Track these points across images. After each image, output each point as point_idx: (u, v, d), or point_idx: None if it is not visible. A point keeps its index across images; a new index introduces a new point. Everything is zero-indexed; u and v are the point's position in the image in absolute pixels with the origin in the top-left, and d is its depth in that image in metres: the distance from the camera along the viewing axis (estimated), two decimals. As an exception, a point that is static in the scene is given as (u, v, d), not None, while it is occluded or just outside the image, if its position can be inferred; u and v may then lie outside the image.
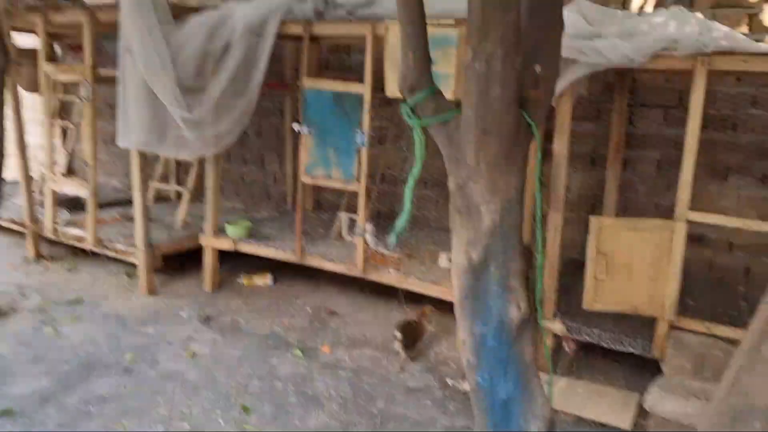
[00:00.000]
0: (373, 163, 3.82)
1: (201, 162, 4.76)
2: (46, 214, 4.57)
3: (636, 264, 2.96)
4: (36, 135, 6.85)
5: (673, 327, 2.93)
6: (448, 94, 2.96)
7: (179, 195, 5.44)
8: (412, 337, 3.35)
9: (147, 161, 4.17)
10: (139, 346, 3.42)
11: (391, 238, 1.97)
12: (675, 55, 2.76)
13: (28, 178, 4.78)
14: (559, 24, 1.73)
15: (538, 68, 1.68)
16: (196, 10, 4.02)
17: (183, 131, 3.83)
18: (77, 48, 5.78)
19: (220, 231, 4.25)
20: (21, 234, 4.97)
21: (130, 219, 4.84)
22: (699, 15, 3.58)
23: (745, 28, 3.58)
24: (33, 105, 6.76)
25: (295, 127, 3.74)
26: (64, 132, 6.12)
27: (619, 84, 3.78)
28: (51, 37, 4.63)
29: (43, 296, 4.08)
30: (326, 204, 5.15)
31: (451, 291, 3.39)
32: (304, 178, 3.79)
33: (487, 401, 1.81)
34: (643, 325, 3.08)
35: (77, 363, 3.21)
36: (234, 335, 3.60)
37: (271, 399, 2.94)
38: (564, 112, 3.04)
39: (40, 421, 2.71)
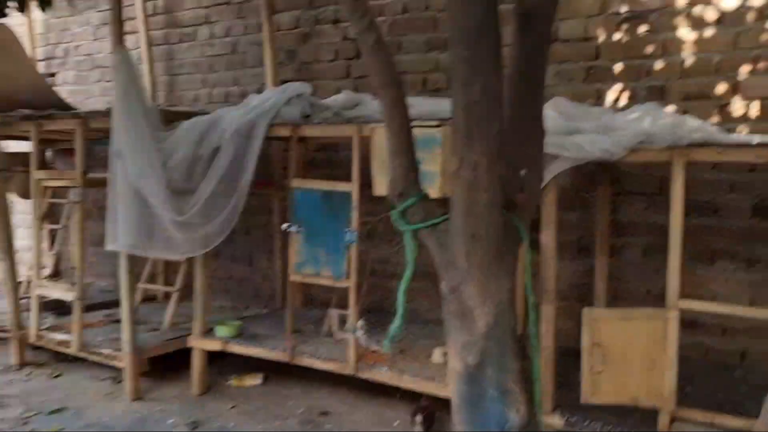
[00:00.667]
0: (363, 258, 3.83)
1: (189, 260, 4.75)
2: (32, 320, 4.49)
3: (632, 354, 2.93)
4: (23, 238, 6.83)
5: (674, 419, 2.87)
6: (435, 192, 3.01)
7: (167, 295, 5.39)
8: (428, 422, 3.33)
9: (135, 263, 4.15)
10: (124, 459, 3.28)
11: (386, 344, 1.95)
12: (652, 148, 2.86)
13: (15, 283, 4.72)
14: (541, 131, 1.80)
15: (522, 173, 1.73)
16: (186, 116, 4.14)
17: (171, 233, 3.85)
18: (67, 152, 5.88)
19: (209, 331, 4.18)
20: (3, 340, 4.85)
21: (117, 321, 4.77)
22: (671, 108, 3.76)
23: (716, 119, 3.73)
24: (21, 208, 6.79)
25: (284, 226, 3.77)
26: (52, 234, 6.13)
27: (600, 174, 3.88)
28: (42, 142, 4.71)
29: (26, 406, 3.94)
30: (316, 300, 5.11)
31: (447, 387, 3.33)
32: (294, 277, 3.78)
33: None
34: (643, 417, 3.01)
35: (59, 480, 3.07)
36: (224, 443, 3.47)
37: None
38: (549, 204, 3.10)
39: None
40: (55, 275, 6.22)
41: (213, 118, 3.92)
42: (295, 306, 4.34)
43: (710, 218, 3.79)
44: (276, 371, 4.39)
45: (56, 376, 4.46)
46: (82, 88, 6.38)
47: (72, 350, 4.28)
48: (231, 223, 3.91)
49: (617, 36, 3.99)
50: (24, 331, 4.59)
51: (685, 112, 3.80)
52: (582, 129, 3.03)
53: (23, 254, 6.53)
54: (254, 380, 4.31)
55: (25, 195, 5.32)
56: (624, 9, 3.96)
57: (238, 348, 4.07)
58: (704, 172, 3.77)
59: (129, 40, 4.24)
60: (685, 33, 3.80)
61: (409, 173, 1.80)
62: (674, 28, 3.82)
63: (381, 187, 3.21)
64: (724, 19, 3.70)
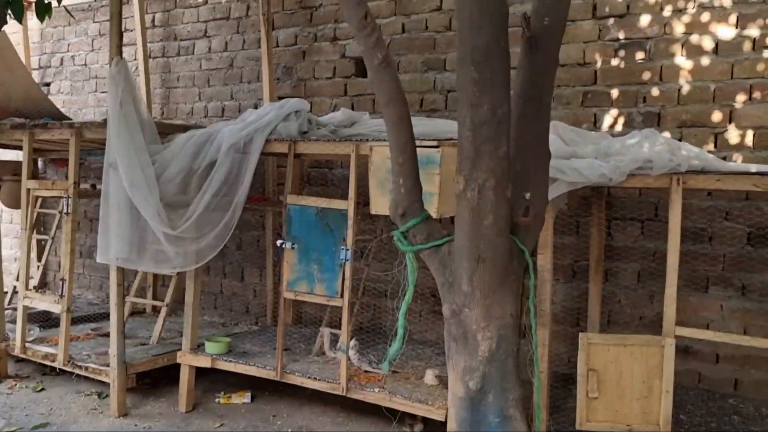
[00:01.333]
0: (355, 277, 3.80)
1: (180, 275, 4.69)
2: (18, 332, 4.40)
3: (627, 380, 2.91)
4: (8, 247, 6.74)
5: (669, 447, 2.84)
6: (432, 212, 3.00)
7: (155, 309, 5.32)
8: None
9: (125, 276, 4.09)
10: (108, 477, 3.20)
11: (385, 365, 1.91)
12: (650, 174, 2.87)
13: (0, 294, 4.64)
14: (546, 153, 1.79)
15: (527, 195, 1.72)
16: (182, 129, 4.11)
17: (164, 246, 3.80)
18: (59, 162, 5.83)
19: (198, 347, 4.12)
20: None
21: (104, 335, 4.69)
22: (668, 134, 3.78)
23: (711, 146, 3.75)
24: (6, 217, 6.71)
25: (279, 243, 3.74)
26: (40, 245, 6.05)
27: (596, 198, 3.89)
28: (34, 151, 4.66)
29: (8, 421, 3.84)
30: (307, 318, 5.06)
31: (439, 410, 3.29)
32: (287, 294, 3.74)
33: None
34: (638, 445, 2.98)
35: (40, 498, 2.98)
36: (211, 462, 3.40)
37: None
38: (546, 228, 3.08)
39: None
40: (42, 286, 6.14)
41: (209, 132, 3.89)
42: (286, 323, 4.29)
43: (705, 245, 3.79)
44: (265, 389, 4.32)
45: (40, 390, 4.36)
46: (76, 98, 6.35)
47: (58, 363, 4.19)
48: (224, 238, 3.87)
49: (614, 62, 4.02)
50: (8, 343, 4.50)
51: (680, 138, 3.83)
52: (580, 153, 3.04)
53: (8, 264, 6.44)
54: (242, 398, 4.23)
55: (13, 204, 5.26)
56: (622, 35, 3.99)
57: (227, 365, 4.00)
58: (700, 200, 3.79)
59: (126, 52, 4.21)
60: (682, 61, 3.84)
61: (412, 193, 1.78)
62: (671, 55, 3.86)
63: (377, 206, 3.20)
64: (720, 48, 3.74)
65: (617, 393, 2.93)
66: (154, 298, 5.42)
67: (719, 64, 3.75)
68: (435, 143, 3.09)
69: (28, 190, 4.39)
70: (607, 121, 4.06)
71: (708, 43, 3.77)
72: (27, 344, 4.39)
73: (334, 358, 4.03)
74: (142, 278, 5.31)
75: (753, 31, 3.65)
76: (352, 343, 3.78)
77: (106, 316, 4.89)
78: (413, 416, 3.48)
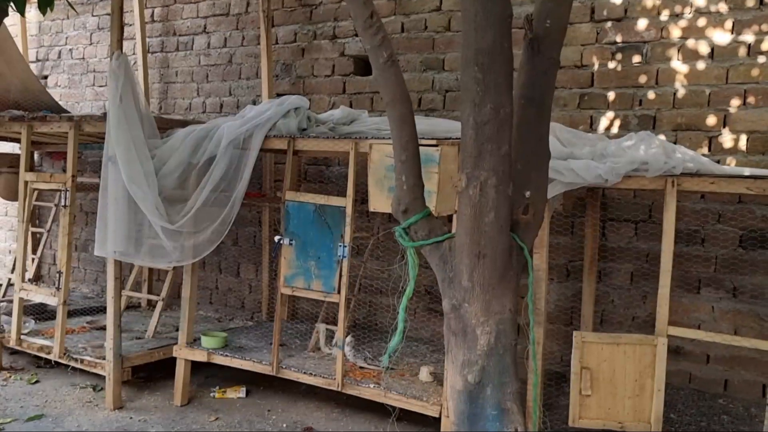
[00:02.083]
0: (352, 274, 3.83)
1: (176, 269, 4.71)
2: (12, 324, 4.41)
3: (620, 379, 2.96)
4: (3, 239, 6.74)
5: (660, 445, 2.89)
6: (431, 210, 3.02)
7: (151, 303, 5.33)
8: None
9: (122, 269, 4.10)
10: (104, 469, 3.21)
11: (384, 360, 1.95)
12: (646, 176, 2.91)
13: (-5, 286, 4.65)
14: (546, 153, 1.83)
15: (527, 194, 1.75)
16: (181, 124, 4.13)
17: (161, 240, 3.82)
18: (56, 155, 5.84)
19: (194, 341, 4.14)
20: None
21: (99, 328, 4.70)
22: (663, 137, 3.83)
23: (705, 150, 3.80)
24: (2, 210, 6.70)
25: (277, 239, 3.76)
26: (35, 238, 6.05)
27: (590, 199, 3.93)
28: (31, 144, 4.66)
29: (3, 412, 3.85)
30: (303, 314, 5.09)
31: (435, 406, 3.33)
32: (284, 290, 3.77)
33: None
34: (629, 442, 3.03)
35: (36, 489, 3.00)
36: (206, 455, 3.42)
37: None
38: (542, 228, 3.12)
39: None
40: (37, 279, 6.14)
41: (209, 128, 3.91)
42: (282, 319, 4.32)
43: (698, 247, 3.85)
44: (260, 384, 4.35)
45: (35, 382, 4.37)
46: (74, 91, 6.34)
47: (53, 356, 4.20)
48: (222, 233, 3.89)
49: (611, 64, 4.07)
50: (3, 335, 4.50)
51: (675, 142, 3.88)
52: (577, 154, 3.08)
53: (2, 256, 6.44)
54: (237, 393, 4.26)
55: (10, 196, 5.25)
56: (619, 39, 4.04)
57: (222, 360, 4.03)
58: (693, 202, 3.84)
59: (125, 47, 4.22)
60: (678, 65, 3.89)
61: (415, 189, 1.82)
62: (667, 59, 3.91)
63: (376, 203, 3.23)
64: (715, 53, 3.79)
65: (610, 391, 2.97)
66: (150, 292, 5.43)
67: (714, 69, 3.80)
68: (434, 142, 3.12)
69: (26, 182, 4.39)
70: (603, 123, 4.10)
71: (704, 48, 3.83)
72: (22, 336, 4.39)
73: (329, 354, 4.06)
74: (137, 272, 5.33)
75: (748, 37, 3.70)
76: (348, 339, 3.81)
77: (101, 310, 4.90)
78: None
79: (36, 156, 6.04)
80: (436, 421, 3.39)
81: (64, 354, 4.16)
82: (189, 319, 4.09)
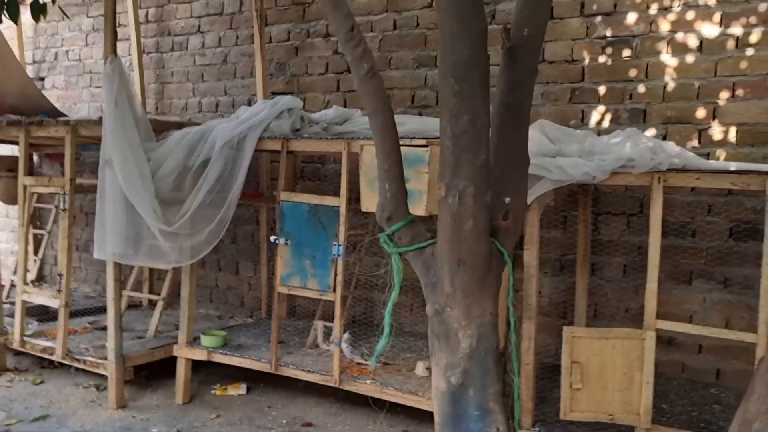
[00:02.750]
0: (348, 270, 3.89)
1: (176, 269, 4.77)
2: (15, 325, 4.48)
3: (609, 373, 3.01)
4: (5, 241, 6.81)
5: (649, 436, 2.95)
6: (420, 210, 3.08)
7: (152, 302, 5.40)
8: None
9: (121, 270, 4.17)
10: (107, 468, 3.29)
11: (372, 361, 2.00)
12: (632, 172, 2.95)
13: (-2, 287, 4.72)
14: (525, 159, 1.87)
15: (507, 200, 1.80)
16: (177, 125, 4.17)
17: (159, 242, 3.87)
18: (54, 157, 5.88)
19: (194, 340, 4.20)
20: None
21: (101, 328, 4.77)
22: (652, 132, 3.86)
23: (695, 143, 3.84)
24: (3, 212, 6.77)
25: (272, 238, 3.82)
26: (36, 240, 6.11)
27: (582, 194, 3.97)
28: (29, 146, 4.71)
29: (8, 413, 3.93)
30: (301, 311, 5.15)
31: (430, 401, 3.39)
32: (281, 289, 3.82)
33: None
34: (620, 434, 3.09)
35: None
36: (207, 452, 3.50)
37: None
38: (532, 224, 3.17)
39: None
40: (39, 280, 6.21)
41: (203, 130, 3.96)
42: (280, 316, 4.38)
43: (688, 239, 3.89)
44: (260, 381, 4.42)
45: (39, 383, 4.45)
46: (71, 93, 6.39)
47: (56, 357, 4.28)
48: (219, 234, 3.94)
49: (602, 59, 4.09)
50: (6, 337, 4.58)
51: (665, 135, 3.91)
52: (565, 152, 3.11)
53: (4, 258, 6.51)
54: (238, 390, 4.33)
55: (9, 200, 5.31)
56: (609, 33, 4.06)
57: (222, 358, 4.10)
58: (683, 195, 3.88)
59: (120, 47, 4.26)
60: (667, 58, 3.91)
61: (398, 197, 1.86)
62: (657, 53, 3.93)
63: (368, 203, 3.27)
64: (704, 46, 3.81)
65: (600, 384, 3.03)
66: (151, 291, 5.50)
67: (703, 62, 3.82)
68: (424, 142, 3.17)
69: (25, 186, 4.45)
70: (594, 117, 4.13)
71: (693, 41, 3.85)
72: (25, 338, 4.47)
73: (327, 351, 4.13)
74: (138, 272, 5.39)
75: (736, 30, 3.72)
76: (345, 336, 3.87)
77: (102, 310, 4.97)
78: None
79: (35, 158, 6.09)
80: (432, 416, 3.45)
81: (67, 355, 4.24)
82: (189, 318, 4.15)
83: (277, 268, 3.81)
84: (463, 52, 1.61)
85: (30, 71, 6.45)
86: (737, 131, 3.75)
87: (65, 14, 4.52)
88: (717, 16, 3.77)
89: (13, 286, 5.55)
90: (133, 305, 5.51)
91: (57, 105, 5.71)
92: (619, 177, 3.01)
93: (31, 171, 4.92)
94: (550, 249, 4.22)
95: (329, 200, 3.67)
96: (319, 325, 4.27)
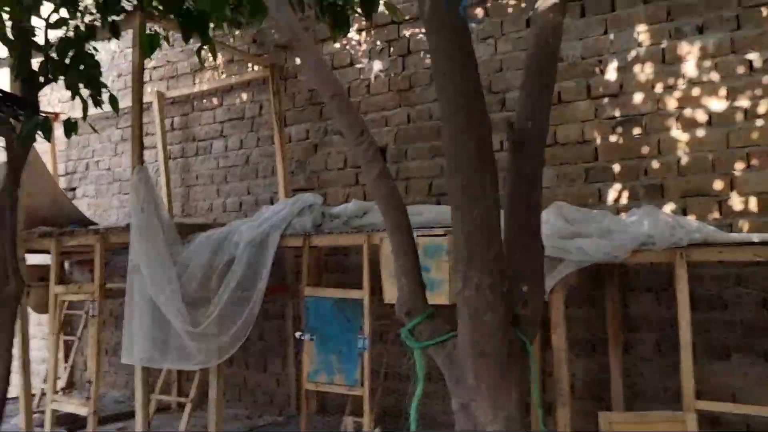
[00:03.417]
0: (376, 362, 3.84)
1: (203, 368, 4.75)
2: (45, 436, 4.46)
3: (652, 459, 2.88)
4: (36, 348, 6.87)
5: None
6: (444, 298, 3.08)
7: (180, 404, 5.35)
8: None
9: (150, 373, 4.17)
10: None
11: (400, 463, 1.95)
12: (654, 249, 2.93)
13: (29, 396, 4.73)
14: (540, 246, 1.89)
15: (524, 288, 1.80)
16: (202, 228, 4.29)
17: (186, 343, 3.89)
18: (84, 263, 6.02)
19: (223, 444, 4.14)
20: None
21: (131, 434, 4.73)
22: (671, 207, 3.86)
23: (716, 214, 3.81)
24: (35, 319, 6.87)
25: (298, 335, 3.82)
26: (67, 345, 6.16)
27: (607, 271, 3.93)
28: (60, 254, 4.85)
29: None
30: (331, 406, 5.05)
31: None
32: (308, 385, 3.79)
33: None
34: None
35: None
36: None
37: None
38: (557, 306, 3.14)
39: None
40: (69, 386, 6.21)
41: (227, 230, 4.06)
42: (310, 413, 4.30)
43: (721, 312, 3.79)
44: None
45: (67, 495, 4.38)
46: (101, 200, 6.63)
47: (85, 467, 4.22)
48: (245, 332, 3.96)
49: (613, 138, 4.16)
50: (37, 448, 4.55)
51: (684, 209, 3.90)
52: (584, 233, 3.12)
53: (36, 365, 6.55)
54: (269, 494, 4.20)
55: (41, 309, 5.40)
56: (617, 113, 4.14)
57: (252, 462, 4.01)
58: (710, 268, 3.81)
59: (147, 154, 4.47)
60: (678, 133, 3.96)
61: (416, 291, 1.88)
62: (667, 129, 3.99)
63: (391, 295, 3.28)
64: (713, 119, 3.86)
65: (643, 473, 2.89)
66: (179, 392, 5.46)
67: (714, 135, 3.86)
68: (442, 232, 3.20)
69: (56, 295, 4.55)
70: (611, 195, 4.15)
71: (701, 116, 3.90)
72: (55, 449, 4.43)
73: (358, 448, 4.02)
74: (167, 374, 5.37)
75: (743, 102, 3.78)
76: (376, 431, 3.77)
77: (132, 415, 4.92)
78: None
79: (66, 264, 6.25)
80: None
81: (96, 464, 4.18)
82: (217, 421, 4.10)
83: (304, 364, 3.78)
84: (468, 148, 1.67)
85: (62, 182, 6.73)
86: (758, 200, 3.73)
87: (95, 130, 4.77)
88: (723, 91, 3.84)
89: (43, 394, 5.56)
90: (162, 408, 5.46)
91: (88, 212, 5.92)
92: (641, 255, 2.99)
93: (62, 279, 5.04)
94: (579, 329, 4.13)
95: (353, 293, 3.69)
96: (348, 421, 4.17)
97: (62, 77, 3.89)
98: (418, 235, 2.69)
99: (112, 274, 6.01)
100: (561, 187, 4.28)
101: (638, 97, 4.08)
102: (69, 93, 3.96)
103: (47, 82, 3.84)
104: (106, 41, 4.75)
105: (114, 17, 3.97)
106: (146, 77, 5.52)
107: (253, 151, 5.65)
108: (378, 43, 5.06)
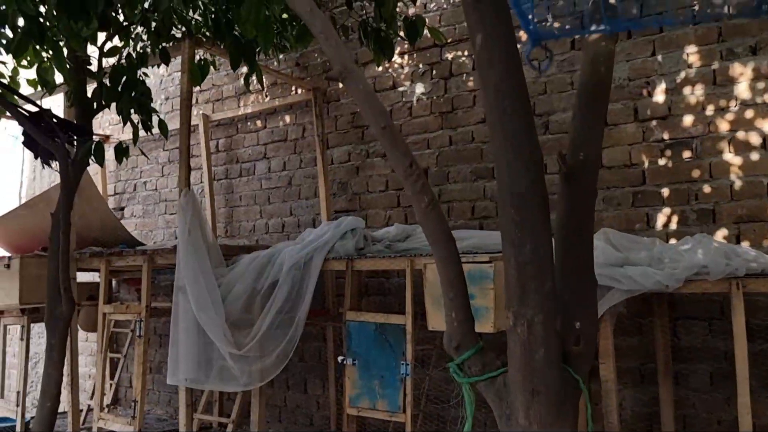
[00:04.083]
0: (417, 387, 3.80)
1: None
2: (91, 454, 4.54)
3: (707, 498, 2.77)
4: (83, 365, 7.03)
5: None
6: (488, 327, 3.04)
7: (222, 424, 5.39)
8: None
9: (192, 394, 4.21)
10: None
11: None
12: (708, 279, 2.84)
13: (77, 412, 4.82)
14: (593, 281, 1.84)
15: (577, 325, 1.76)
16: (246, 250, 4.34)
17: (229, 365, 3.92)
18: (131, 281, 6.16)
19: (264, 467, 4.14)
20: (63, 474, 4.89)
21: (174, 454, 4.78)
22: (723, 233, 3.75)
23: (772, 240, 3.68)
24: (83, 335, 7.03)
25: (340, 359, 3.81)
26: (113, 362, 6.29)
27: (656, 299, 3.83)
28: (109, 273, 4.96)
29: None
30: (372, 430, 5.01)
31: None
32: (350, 411, 3.77)
33: None
34: None
35: None
36: None
37: None
38: (606, 336, 3.07)
39: None
40: (114, 403, 6.33)
41: (271, 253, 4.10)
42: (351, 438, 4.28)
43: (776, 344, 3.65)
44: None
45: None
46: (148, 221, 6.78)
47: (129, 486, 4.28)
48: (288, 355, 3.98)
49: (662, 161, 4.06)
50: (83, 465, 4.63)
51: (738, 234, 3.78)
52: (633, 260, 3.05)
53: (83, 382, 6.70)
54: None
55: (89, 328, 5.53)
56: (666, 136, 4.06)
57: (293, 484, 4.00)
58: (762, 296, 3.68)
59: (193, 176, 4.55)
60: (731, 157, 3.85)
61: (465, 325, 1.85)
62: (719, 152, 3.88)
63: (435, 322, 3.25)
64: (768, 143, 3.75)
65: None
66: (221, 412, 5.50)
67: (769, 159, 3.74)
68: (487, 258, 3.17)
69: (105, 314, 4.65)
70: (660, 220, 4.05)
71: (755, 139, 3.79)
72: (101, 466, 4.51)
73: (399, 475, 3.97)
74: (209, 393, 5.42)
75: (799, 125, 3.66)
76: (418, 459, 3.73)
77: (176, 434, 5.00)
78: None
79: (114, 283, 6.40)
80: None
81: (140, 483, 4.23)
82: (259, 443, 4.11)
83: (346, 389, 3.77)
84: (521, 183, 1.65)
85: (111, 202, 6.91)
86: (816, 227, 3.60)
87: (144, 155, 4.89)
88: (777, 113, 3.73)
89: (90, 410, 5.68)
90: (204, 427, 5.51)
91: (135, 232, 6.05)
92: (694, 284, 2.90)
93: (110, 299, 5.15)
94: (627, 358, 4.03)
95: (395, 318, 3.67)
96: (390, 447, 4.14)
97: (114, 103, 4.00)
98: (462, 262, 2.67)
99: (156, 292, 6.14)
100: (607, 210, 4.19)
101: (688, 120, 3.99)
102: (118, 115, 4.08)
103: (100, 108, 3.96)
104: (155, 66, 4.88)
105: (164, 44, 4.08)
106: (192, 100, 5.64)
107: (296, 172, 5.71)
108: (420, 65, 5.07)
